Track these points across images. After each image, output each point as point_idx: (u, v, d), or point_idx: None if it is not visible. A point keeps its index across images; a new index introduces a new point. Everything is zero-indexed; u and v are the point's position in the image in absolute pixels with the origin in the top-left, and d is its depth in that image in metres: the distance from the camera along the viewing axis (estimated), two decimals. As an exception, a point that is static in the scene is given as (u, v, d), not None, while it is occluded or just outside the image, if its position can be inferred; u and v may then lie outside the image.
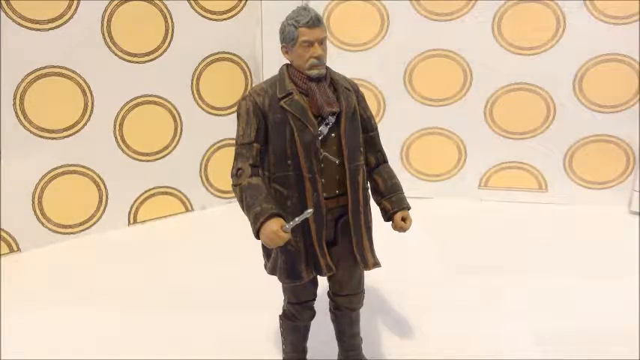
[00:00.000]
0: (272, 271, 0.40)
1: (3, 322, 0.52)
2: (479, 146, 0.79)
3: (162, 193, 0.75)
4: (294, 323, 0.42)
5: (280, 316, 0.43)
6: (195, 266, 0.63)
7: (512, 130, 0.78)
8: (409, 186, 0.82)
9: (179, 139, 0.75)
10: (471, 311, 0.54)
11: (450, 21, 0.75)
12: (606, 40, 0.73)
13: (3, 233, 0.66)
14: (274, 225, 0.33)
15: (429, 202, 0.80)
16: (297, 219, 0.33)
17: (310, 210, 0.33)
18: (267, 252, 0.40)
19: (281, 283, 0.41)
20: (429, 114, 0.78)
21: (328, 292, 0.43)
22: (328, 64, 0.40)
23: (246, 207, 0.35)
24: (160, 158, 0.74)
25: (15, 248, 0.67)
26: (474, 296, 0.57)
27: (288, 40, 0.36)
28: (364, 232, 0.39)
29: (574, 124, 0.77)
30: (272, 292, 0.50)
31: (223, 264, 0.63)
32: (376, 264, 0.40)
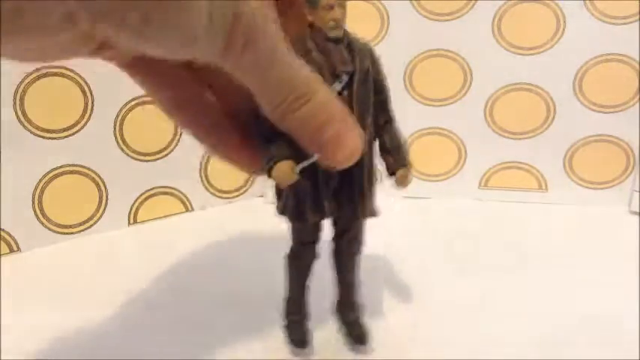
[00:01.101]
0: (282, 211, 0.43)
1: (3, 322, 0.52)
2: (479, 146, 0.79)
3: (163, 193, 0.75)
4: (298, 262, 0.45)
5: (286, 255, 0.46)
6: (195, 266, 0.63)
7: (512, 130, 0.78)
8: (409, 186, 0.82)
9: (179, 139, 0.75)
10: (470, 311, 0.54)
11: (450, 21, 0.75)
12: (606, 40, 0.73)
13: (3, 233, 0.66)
14: (285, 166, 0.36)
15: (429, 202, 0.80)
16: (305, 162, 0.35)
17: (317, 155, 0.34)
18: (279, 194, 0.43)
19: (290, 229, 0.44)
20: (429, 114, 0.78)
21: (332, 236, 0.46)
22: None
23: (262, 151, 0.37)
24: (160, 158, 0.74)
25: (15, 248, 0.67)
26: (473, 296, 0.57)
27: (311, 2, 0.38)
28: (365, 184, 0.41)
29: (574, 124, 0.77)
30: (272, 293, 0.50)
31: (223, 264, 0.63)
32: (374, 213, 0.43)
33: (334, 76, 0.39)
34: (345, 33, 0.40)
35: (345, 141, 0.33)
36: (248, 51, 0.30)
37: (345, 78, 0.39)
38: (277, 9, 0.41)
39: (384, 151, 0.43)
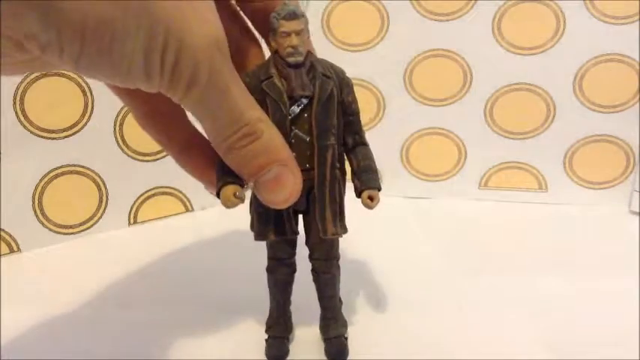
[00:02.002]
0: (251, 227, 0.45)
1: (3, 322, 0.52)
2: (479, 146, 0.79)
3: (163, 193, 0.75)
4: (274, 276, 0.47)
5: (265, 269, 0.47)
6: (195, 266, 0.63)
7: (512, 130, 0.78)
8: (409, 186, 0.82)
9: (179, 139, 0.75)
10: (470, 311, 0.54)
11: (450, 21, 0.75)
12: (606, 40, 0.73)
13: (3, 233, 0.66)
14: (229, 190, 0.38)
15: (429, 202, 0.80)
16: (244, 190, 0.37)
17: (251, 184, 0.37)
18: (249, 210, 0.45)
19: (266, 244, 0.46)
20: (429, 114, 0.78)
21: (308, 255, 0.47)
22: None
23: (216, 172, 0.39)
24: (160, 158, 0.74)
25: (15, 248, 0.67)
26: (473, 296, 0.57)
27: (272, 30, 0.40)
28: (327, 205, 0.42)
29: (574, 124, 0.77)
30: (272, 293, 0.50)
31: (223, 264, 0.63)
32: (335, 234, 0.43)
33: (293, 100, 0.41)
34: (309, 58, 0.41)
35: (283, 184, 0.36)
36: (195, 89, 0.31)
37: (303, 101, 0.41)
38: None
39: (352, 173, 0.44)
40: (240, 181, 0.38)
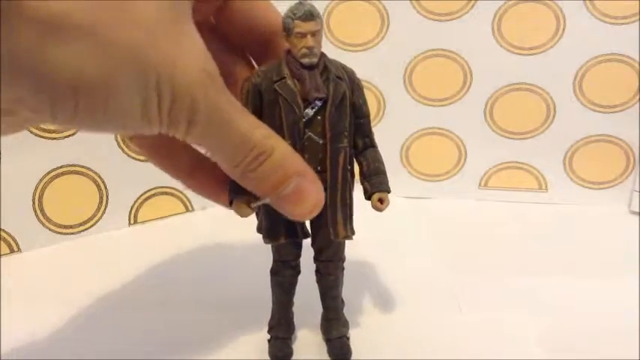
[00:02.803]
0: (258, 230, 0.45)
1: (3, 323, 0.52)
2: (479, 146, 0.79)
3: (163, 193, 0.75)
4: (278, 278, 0.47)
5: (270, 271, 0.47)
6: (195, 266, 0.63)
7: (512, 130, 0.78)
8: (409, 186, 0.82)
9: (179, 139, 0.75)
10: (470, 311, 0.54)
11: (450, 21, 0.75)
12: (606, 40, 0.73)
13: (3, 233, 0.66)
14: (243, 201, 0.38)
15: (429, 202, 0.80)
16: (259, 202, 0.37)
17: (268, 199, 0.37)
18: (257, 213, 0.44)
19: (271, 246, 0.46)
20: (429, 114, 0.78)
21: (313, 256, 0.47)
22: None
23: (229, 184, 0.39)
24: (160, 158, 0.74)
25: (15, 248, 0.67)
26: (473, 296, 0.57)
27: (286, 30, 0.39)
28: (339, 207, 0.42)
29: (574, 124, 0.77)
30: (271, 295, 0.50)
31: (224, 264, 0.63)
32: (346, 236, 0.43)
33: (306, 102, 0.40)
34: (322, 59, 0.41)
35: (306, 195, 0.35)
36: (195, 126, 0.30)
37: (317, 103, 0.40)
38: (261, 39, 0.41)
39: (361, 175, 0.44)
40: (252, 194, 0.37)
